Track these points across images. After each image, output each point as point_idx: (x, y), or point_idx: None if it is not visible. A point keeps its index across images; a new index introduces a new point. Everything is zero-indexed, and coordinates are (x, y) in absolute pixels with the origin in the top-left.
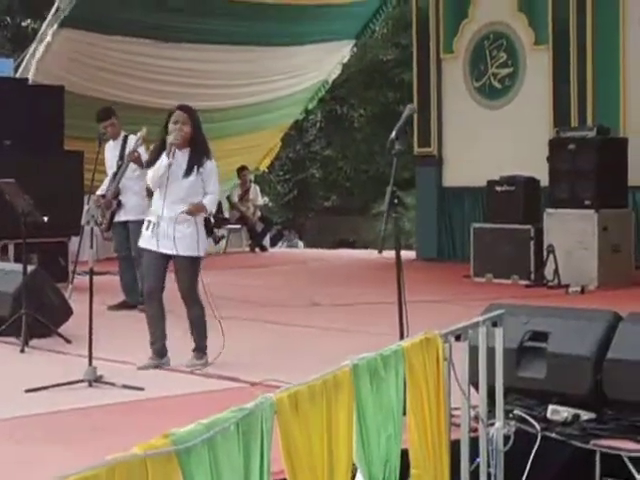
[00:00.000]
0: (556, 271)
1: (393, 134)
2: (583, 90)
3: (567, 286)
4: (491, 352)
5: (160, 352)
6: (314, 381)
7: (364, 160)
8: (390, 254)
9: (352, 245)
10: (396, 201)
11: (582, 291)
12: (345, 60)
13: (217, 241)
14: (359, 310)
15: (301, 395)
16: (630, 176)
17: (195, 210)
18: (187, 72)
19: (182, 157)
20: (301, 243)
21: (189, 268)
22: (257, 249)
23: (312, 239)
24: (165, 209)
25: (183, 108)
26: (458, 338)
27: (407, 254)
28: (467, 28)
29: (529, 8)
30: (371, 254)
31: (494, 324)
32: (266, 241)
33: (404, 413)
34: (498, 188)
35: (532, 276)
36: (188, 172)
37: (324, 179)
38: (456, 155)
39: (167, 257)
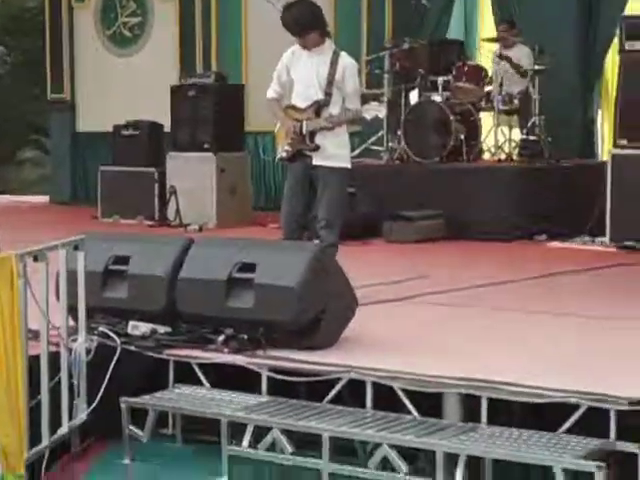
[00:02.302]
0: (177, 211)
1: None
2: (208, 41)
3: (187, 225)
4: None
5: None
6: None
7: (10, 108)
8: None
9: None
10: None
11: (200, 229)
12: None
13: None
14: None
15: None
16: (248, 121)
17: None
18: None
19: None
20: None
21: None
22: None
23: None
24: None
25: None
26: (36, 259)
27: (41, 198)
28: None
29: None
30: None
31: (75, 247)
32: None
33: None
34: (124, 132)
35: (156, 216)
36: None
37: None
38: (90, 101)
39: None
